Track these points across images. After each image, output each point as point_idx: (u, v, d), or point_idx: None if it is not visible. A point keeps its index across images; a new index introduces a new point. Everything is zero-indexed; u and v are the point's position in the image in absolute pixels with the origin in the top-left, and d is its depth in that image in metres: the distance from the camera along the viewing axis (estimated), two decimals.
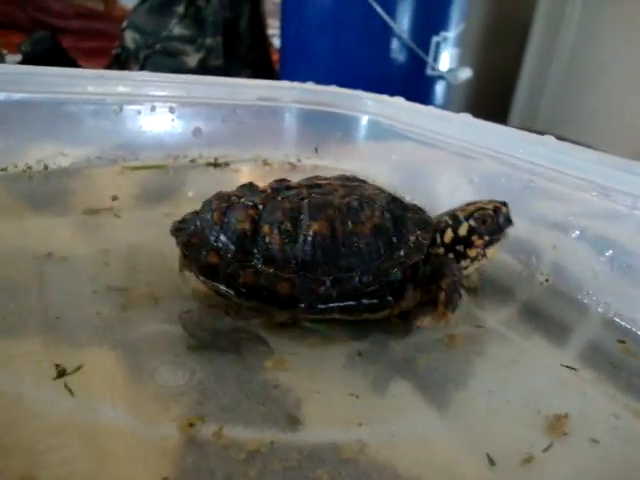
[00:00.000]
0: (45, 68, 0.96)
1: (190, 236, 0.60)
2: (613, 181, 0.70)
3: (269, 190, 0.62)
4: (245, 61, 2.51)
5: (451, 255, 0.64)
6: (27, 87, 0.94)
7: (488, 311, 0.67)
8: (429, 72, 2.07)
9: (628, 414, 0.52)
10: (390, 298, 0.58)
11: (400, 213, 0.61)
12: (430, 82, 2.13)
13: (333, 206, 0.57)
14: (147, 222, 0.83)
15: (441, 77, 2.12)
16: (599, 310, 0.70)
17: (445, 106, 2.17)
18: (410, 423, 0.49)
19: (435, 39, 2.02)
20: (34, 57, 2.21)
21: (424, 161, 1.03)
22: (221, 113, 1.12)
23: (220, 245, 0.58)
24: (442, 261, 0.63)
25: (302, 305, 0.56)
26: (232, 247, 0.57)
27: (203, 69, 2.32)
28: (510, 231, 0.66)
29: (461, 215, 0.64)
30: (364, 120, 1.17)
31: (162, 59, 2.37)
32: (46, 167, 0.96)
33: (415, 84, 2.11)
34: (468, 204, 0.66)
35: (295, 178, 0.67)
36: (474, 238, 0.63)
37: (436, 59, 2.06)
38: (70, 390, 0.47)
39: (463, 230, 0.63)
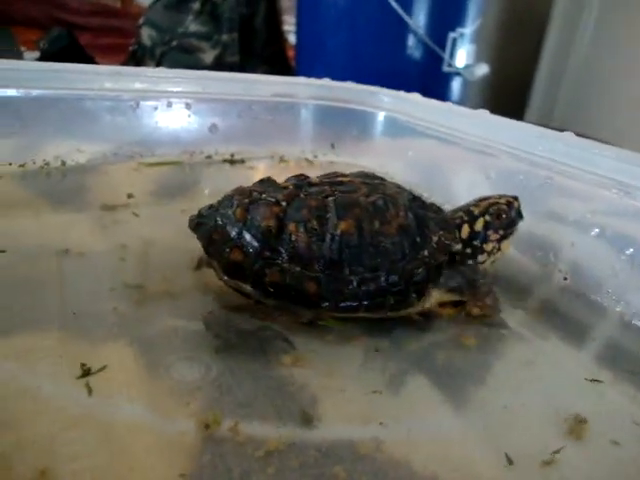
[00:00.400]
0: (62, 65, 0.97)
1: (211, 232, 0.59)
2: (633, 178, 0.69)
3: (291, 186, 0.61)
4: (261, 57, 2.51)
5: (468, 250, 0.64)
6: (44, 84, 0.94)
7: (505, 310, 0.66)
8: (445, 68, 2.06)
9: None
10: (414, 296, 0.58)
11: (422, 213, 0.61)
12: (447, 78, 2.12)
13: (360, 205, 0.57)
14: (163, 218, 0.83)
15: (458, 73, 2.11)
16: (618, 310, 0.69)
17: (462, 102, 2.15)
18: (426, 420, 0.49)
19: (452, 35, 2.01)
20: (52, 54, 2.22)
21: (441, 158, 1.03)
22: (237, 109, 1.12)
23: (244, 242, 0.57)
24: (472, 277, 0.63)
25: (328, 304, 0.55)
26: (256, 244, 0.56)
27: (219, 65, 2.32)
28: (527, 228, 0.65)
29: (476, 211, 0.65)
30: (381, 116, 1.17)
31: (178, 56, 2.37)
32: (63, 163, 0.97)
33: (431, 80, 2.09)
34: (481, 199, 0.67)
35: (312, 174, 0.67)
36: (489, 233, 0.64)
37: (453, 55, 2.05)
38: (87, 385, 0.47)
39: (479, 225, 0.64)
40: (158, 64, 2.37)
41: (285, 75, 1.25)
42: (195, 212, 0.65)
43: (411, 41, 1.99)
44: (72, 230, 0.76)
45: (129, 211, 0.84)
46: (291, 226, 0.56)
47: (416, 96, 1.11)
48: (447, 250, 0.61)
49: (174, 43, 2.38)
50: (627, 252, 0.69)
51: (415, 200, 0.63)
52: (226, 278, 0.58)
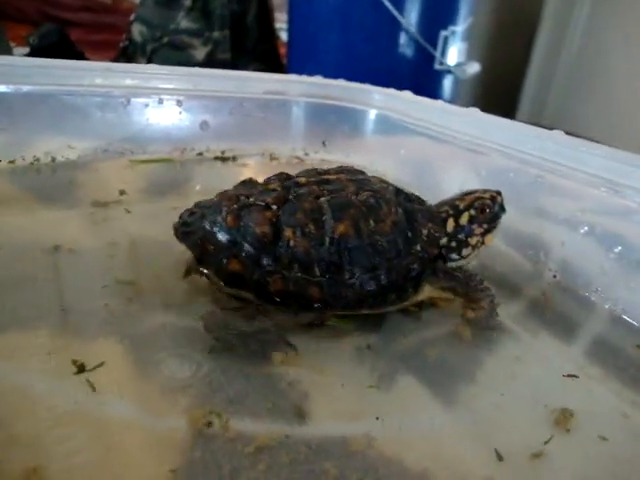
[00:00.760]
0: (53, 61, 0.96)
1: (203, 241, 0.57)
2: (622, 177, 0.70)
3: (278, 188, 0.60)
4: (253, 54, 2.50)
5: (453, 244, 0.64)
6: (35, 80, 0.94)
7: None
8: (437, 66, 2.07)
9: (636, 411, 0.52)
10: (411, 290, 0.59)
11: (409, 206, 0.62)
12: (438, 76, 2.13)
13: (354, 205, 0.57)
14: (154, 215, 0.83)
15: (449, 71, 2.12)
16: (607, 307, 0.69)
17: (453, 100, 2.17)
18: (418, 417, 0.49)
19: (443, 33, 2.01)
20: (42, 50, 2.21)
21: (432, 155, 1.03)
22: (228, 106, 1.12)
23: (240, 251, 0.55)
24: (467, 281, 0.63)
25: (331, 307, 0.55)
26: (253, 252, 0.55)
27: (210, 62, 2.32)
28: (517, 226, 0.66)
29: (461, 205, 0.65)
30: (372, 114, 1.17)
31: (169, 52, 2.37)
32: (53, 160, 0.97)
33: (423, 78, 2.10)
34: (465, 194, 0.67)
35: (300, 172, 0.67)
36: (474, 227, 0.64)
37: (444, 53, 2.05)
38: (79, 382, 0.47)
39: (464, 219, 0.64)
40: (149, 60, 2.36)
41: (277, 72, 1.25)
42: (187, 209, 0.65)
43: (403, 39, 1.99)
44: (62, 227, 0.76)
45: (120, 208, 0.83)
46: (288, 231, 0.55)
47: (407, 94, 1.11)
48: (437, 243, 0.62)
49: (165, 40, 2.37)
50: (616, 250, 0.70)
51: (399, 193, 0.64)
52: (223, 285, 0.57)
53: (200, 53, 2.37)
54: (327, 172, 0.64)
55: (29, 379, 0.47)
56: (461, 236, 0.64)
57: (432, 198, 0.68)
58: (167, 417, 0.45)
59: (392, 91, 1.14)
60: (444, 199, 0.68)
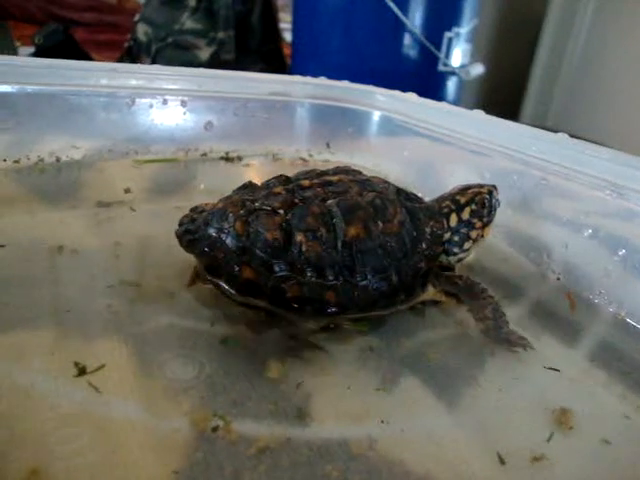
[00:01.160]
0: (57, 61, 0.96)
1: (212, 249, 0.57)
2: (627, 180, 0.69)
3: (283, 192, 0.59)
4: (257, 55, 2.50)
5: (456, 238, 0.66)
6: (39, 79, 0.94)
7: None
8: (441, 68, 2.07)
9: (639, 415, 0.52)
10: (418, 289, 0.60)
11: (410, 205, 0.63)
12: (442, 78, 2.13)
13: (362, 207, 0.57)
14: (158, 215, 0.83)
15: (453, 73, 2.12)
16: (611, 310, 0.69)
17: (457, 102, 2.16)
18: (420, 419, 0.49)
19: (447, 35, 2.02)
20: (47, 49, 2.21)
21: (436, 157, 1.03)
22: (233, 107, 1.12)
23: (251, 258, 0.55)
24: (472, 292, 0.63)
25: (347, 311, 0.56)
26: (266, 259, 0.55)
27: (215, 63, 2.32)
28: (521, 228, 0.66)
29: (462, 200, 0.67)
30: (376, 116, 1.17)
31: (174, 52, 2.37)
32: (58, 160, 0.97)
33: (427, 80, 2.10)
34: (463, 189, 0.69)
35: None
36: (475, 220, 0.66)
37: (448, 55, 2.06)
38: (81, 383, 0.47)
39: (466, 214, 0.66)
40: (153, 61, 2.36)
41: (281, 73, 1.25)
42: (184, 215, 0.65)
43: (407, 40, 1.99)
44: (66, 227, 0.76)
45: (124, 208, 0.83)
46: (299, 236, 0.55)
47: (412, 95, 1.11)
48: (440, 240, 0.63)
49: (170, 40, 2.38)
50: (620, 253, 0.69)
51: (400, 193, 0.64)
52: (235, 294, 0.57)
53: (205, 53, 2.37)
54: (326, 173, 0.64)
55: (32, 379, 0.47)
56: (463, 230, 0.66)
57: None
58: (170, 418, 0.45)
59: (396, 93, 1.14)
60: (443, 194, 0.69)
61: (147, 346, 0.53)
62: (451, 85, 2.17)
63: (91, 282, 0.63)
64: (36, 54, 2.20)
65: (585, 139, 0.78)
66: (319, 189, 0.59)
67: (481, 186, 0.68)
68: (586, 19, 2.46)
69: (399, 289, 0.57)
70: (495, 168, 0.87)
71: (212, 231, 0.58)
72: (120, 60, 2.46)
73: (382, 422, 0.47)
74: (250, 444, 0.43)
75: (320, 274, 0.55)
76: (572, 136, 0.79)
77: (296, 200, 0.58)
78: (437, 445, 0.46)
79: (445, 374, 0.55)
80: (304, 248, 0.55)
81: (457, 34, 2.03)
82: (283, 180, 0.63)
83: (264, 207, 0.57)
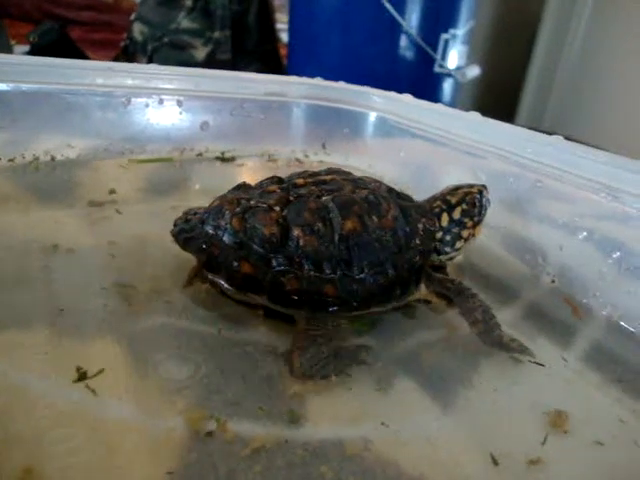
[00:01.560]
0: (53, 59, 0.96)
1: (208, 246, 0.58)
2: (622, 182, 0.70)
3: (277, 190, 0.60)
4: (253, 55, 2.50)
5: (448, 237, 0.66)
6: (35, 78, 0.93)
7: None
8: (437, 69, 2.07)
9: (633, 417, 0.52)
10: (413, 285, 0.61)
11: (402, 203, 0.63)
12: (438, 79, 2.13)
13: (357, 202, 0.58)
14: (153, 215, 0.83)
15: (449, 75, 2.12)
16: (605, 312, 0.69)
17: (453, 104, 2.17)
18: (414, 421, 0.49)
19: (444, 36, 2.02)
20: (42, 48, 2.20)
21: (432, 159, 1.03)
22: (229, 107, 1.12)
23: (248, 253, 0.55)
24: (462, 295, 0.63)
25: (346, 306, 0.56)
26: (263, 254, 0.55)
27: (211, 63, 2.32)
28: (516, 230, 0.66)
29: (453, 200, 0.67)
30: (372, 117, 1.17)
31: (170, 52, 2.37)
32: (53, 158, 0.96)
33: (423, 81, 2.10)
34: (454, 189, 0.69)
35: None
36: (466, 220, 0.67)
37: (444, 56, 2.06)
38: (76, 383, 0.47)
39: (457, 214, 0.66)
40: (149, 60, 2.36)
41: (277, 73, 1.24)
42: (185, 209, 0.65)
43: (403, 41, 2.00)
44: (61, 226, 0.75)
45: (119, 207, 0.83)
46: (297, 231, 0.55)
47: (408, 97, 1.11)
48: (432, 236, 0.64)
49: (166, 39, 2.37)
50: (614, 255, 0.70)
51: (391, 191, 0.65)
52: (233, 291, 0.57)
53: (201, 53, 2.37)
54: (318, 174, 0.65)
55: (27, 378, 0.47)
56: (455, 230, 0.67)
57: None
58: (165, 418, 0.45)
59: (392, 94, 1.14)
60: (434, 194, 0.70)
61: (142, 346, 0.53)
62: (447, 87, 2.17)
63: (86, 281, 0.63)
64: (31, 52, 2.20)
65: (580, 142, 0.78)
66: (313, 187, 0.61)
67: (471, 186, 0.69)
68: (582, 22, 2.47)
69: (395, 283, 0.58)
70: (490, 170, 0.87)
71: (209, 228, 0.58)
72: (116, 59, 2.45)
73: (377, 423, 0.47)
74: (245, 444, 0.43)
75: (318, 268, 0.55)
76: (567, 139, 0.79)
77: (291, 198, 0.59)
78: (432, 446, 0.46)
79: (440, 375, 0.55)
80: (302, 242, 0.55)
81: (453, 36, 2.04)
82: (276, 180, 0.65)
83: (260, 204, 0.58)
